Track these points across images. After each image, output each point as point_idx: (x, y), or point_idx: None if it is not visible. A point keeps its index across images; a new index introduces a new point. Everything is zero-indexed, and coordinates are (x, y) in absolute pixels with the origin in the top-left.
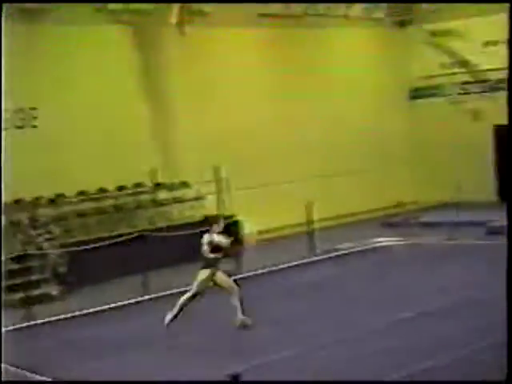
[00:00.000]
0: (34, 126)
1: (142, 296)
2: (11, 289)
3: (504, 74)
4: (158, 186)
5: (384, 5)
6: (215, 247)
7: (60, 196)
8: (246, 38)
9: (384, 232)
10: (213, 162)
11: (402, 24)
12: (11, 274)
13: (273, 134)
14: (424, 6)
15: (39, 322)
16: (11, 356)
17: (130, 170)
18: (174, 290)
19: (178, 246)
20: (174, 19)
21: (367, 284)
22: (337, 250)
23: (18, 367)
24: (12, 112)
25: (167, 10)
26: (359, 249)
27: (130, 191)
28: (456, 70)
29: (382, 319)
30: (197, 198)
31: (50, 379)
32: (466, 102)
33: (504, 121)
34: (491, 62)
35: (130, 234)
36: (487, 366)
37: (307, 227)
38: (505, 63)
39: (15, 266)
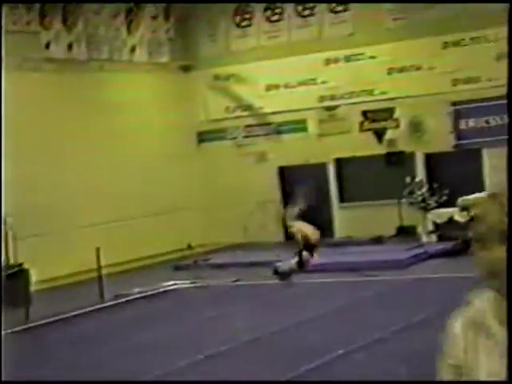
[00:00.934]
0: None
1: None
2: None
3: (286, 116)
4: None
5: (167, 49)
6: None
7: None
8: (27, 83)
9: (175, 275)
10: None
11: (187, 68)
12: None
13: (61, 180)
14: (207, 51)
15: None
16: None
17: None
18: None
19: None
20: None
21: (154, 329)
22: (126, 296)
23: None
24: None
25: None
26: (149, 293)
27: None
28: (240, 113)
29: (166, 365)
30: None
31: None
32: (250, 144)
33: (288, 162)
34: (274, 105)
35: None
36: None
37: (97, 273)
38: (286, 106)
39: None
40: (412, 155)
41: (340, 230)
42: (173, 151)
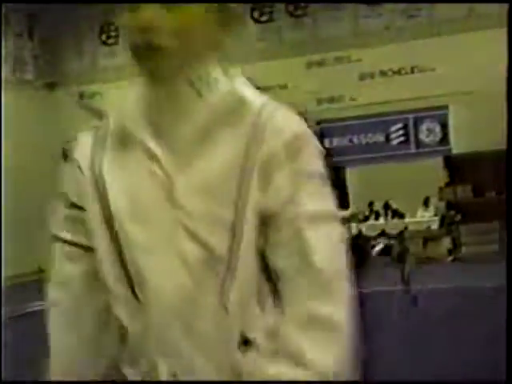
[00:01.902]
0: None
1: None
2: None
3: None
4: None
5: (31, 66)
6: None
7: None
8: None
9: None
10: None
11: (52, 86)
12: None
13: None
14: (73, 68)
15: None
16: None
17: None
18: None
19: None
20: None
21: None
22: None
23: None
24: None
25: None
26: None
27: None
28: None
29: None
30: None
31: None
32: None
33: None
34: None
35: None
36: None
37: None
38: None
39: None
40: None
41: None
42: (37, 168)
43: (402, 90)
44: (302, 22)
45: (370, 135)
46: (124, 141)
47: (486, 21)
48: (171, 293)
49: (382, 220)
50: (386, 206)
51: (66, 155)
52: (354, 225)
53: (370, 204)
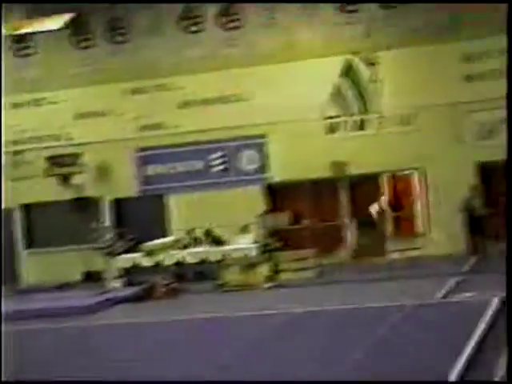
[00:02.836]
0: None
1: None
2: None
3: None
4: None
5: None
6: None
7: None
8: None
9: None
10: None
11: None
12: None
13: None
14: None
15: None
16: None
17: None
18: None
19: None
20: None
21: None
22: None
23: None
24: None
25: None
26: None
27: None
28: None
29: None
30: None
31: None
32: None
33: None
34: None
35: None
36: None
37: None
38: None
39: None
40: (99, 200)
41: (29, 276)
42: None
43: (222, 118)
44: (123, 48)
45: (190, 163)
46: None
47: (304, 51)
48: None
49: (202, 247)
50: (207, 234)
51: None
52: (175, 252)
53: (190, 232)
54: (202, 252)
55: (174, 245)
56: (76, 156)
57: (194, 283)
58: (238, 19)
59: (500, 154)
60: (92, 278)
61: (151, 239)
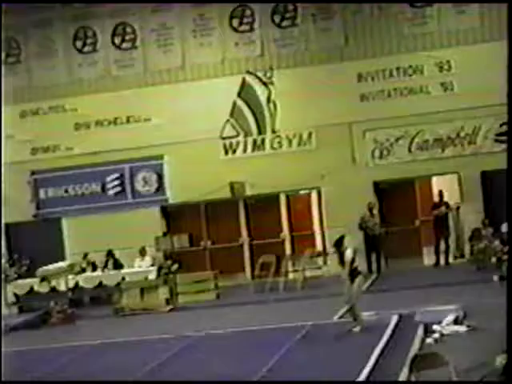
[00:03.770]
0: None
1: None
2: None
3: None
4: None
5: None
6: None
7: None
8: None
9: None
10: None
11: None
12: None
13: None
14: None
15: None
16: None
17: None
18: None
19: None
20: None
21: None
22: None
23: None
24: None
25: None
26: None
27: None
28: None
29: None
30: None
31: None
32: None
33: None
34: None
35: None
36: None
37: None
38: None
39: None
40: None
41: None
42: None
43: (117, 139)
44: (15, 69)
45: (86, 185)
46: None
47: (200, 71)
48: None
49: (99, 271)
50: (108, 256)
51: None
52: (71, 277)
53: (85, 256)
54: (99, 276)
55: (69, 269)
56: None
57: (91, 308)
58: (132, 39)
59: (395, 173)
60: None
61: (47, 264)
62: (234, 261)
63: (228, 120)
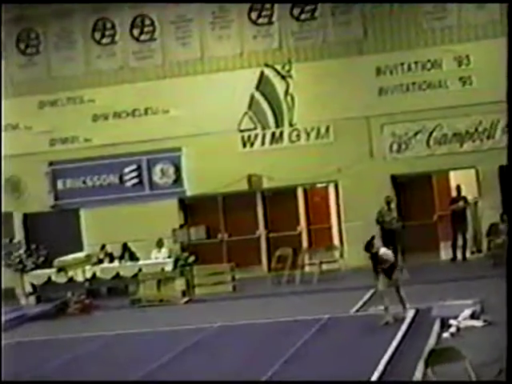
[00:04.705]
0: None
1: None
2: None
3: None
4: None
5: None
6: None
7: None
8: None
9: None
10: None
11: None
12: None
13: None
14: None
15: None
16: None
17: None
18: None
19: None
20: None
21: None
22: None
23: None
24: None
25: None
26: None
27: None
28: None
29: None
30: None
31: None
32: None
33: None
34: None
35: None
36: None
37: None
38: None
39: None
40: (10, 215)
41: None
42: None
43: (135, 131)
44: (34, 60)
45: (103, 177)
46: None
47: (218, 64)
48: None
49: (116, 263)
50: (123, 248)
51: None
52: (88, 268)
53: (103, 247)
54: (116, 267)
55: (87, 260)
56: None
57: (108, 299)
58: (151, 31)
59: (413, 167)
60: (4, 294)
61: (65, 255)
62: (250, 253)
63: (246, 113)
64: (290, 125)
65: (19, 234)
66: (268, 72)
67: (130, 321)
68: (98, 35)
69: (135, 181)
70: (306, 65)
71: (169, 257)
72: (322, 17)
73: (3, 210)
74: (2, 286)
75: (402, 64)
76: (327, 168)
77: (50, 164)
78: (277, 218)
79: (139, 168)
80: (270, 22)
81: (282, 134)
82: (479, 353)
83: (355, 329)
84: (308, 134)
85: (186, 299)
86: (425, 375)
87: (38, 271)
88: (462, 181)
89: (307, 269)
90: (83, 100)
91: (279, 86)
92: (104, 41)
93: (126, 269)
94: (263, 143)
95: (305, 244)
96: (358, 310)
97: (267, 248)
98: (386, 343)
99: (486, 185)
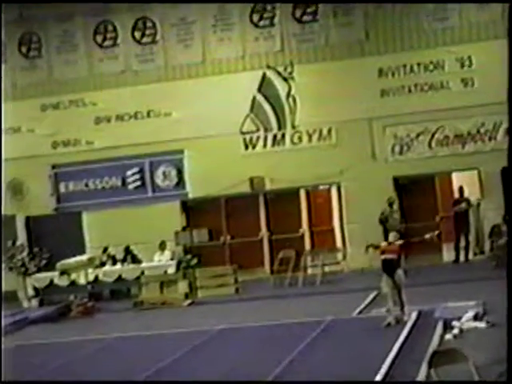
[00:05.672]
0: None
1: None
2: None
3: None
4: None
5: None
6: None
7: None
8: None
9: None
10: None
11: None
12: None
13: None
14: None
15: None
16: None
17: None
18: None
19: None
20: None
21: None
22: None
23: None
24: None
25: None
26: None
27: None
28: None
29: None
30: None
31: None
32: None
33: None
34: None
35: None
36: None
37: None
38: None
39: None
40: (13, 218)
41: None
42: None
43: (138, 134)
44: (36, 63)
45: (106, 179)
46: None
47: (220, 66)
48: None
49: (118, 265)
50: (125, 251)
51: None
52: (90, 270)
53: (105, 250)
54: (118, 270)
55: (90, 263)
56: None
57: (110, 302)
58: (153, 33)
59: (415, 169)
60: (5, 297)
61: (67, 257)
62: (253, 255)
63: (248, 115)
64: (292, 127)
65: (22, 237)
66: (270, 74)
67: (132, 323)
68: (99, 38)
69: (138, 183)
70: (308, 67)
71: (171, 259)
72: (323, 19)
73: (6, 212)
74: (4, 289)
75: (404, 65)
76: (329, 170)
77: (53, 167)
78: (279, 220)
79: (141, 171)
80: (272, 24)
81: (284, 136)
82: (482, 354)
83: (358, 331)
84: (310, 136)
85: (188, 301)
86: (428, 376)
87: (41, 274)
88: (464, 182)
89: (310, 271)
90: (85, 103)
91: (281, 88)
92: (106, 44)
93: (129, 271)
94: (265, 145)
95: (307, 246)
96: (360, 312)
97: (270, 250)
98: (389, 345)
99: (488, 186)
